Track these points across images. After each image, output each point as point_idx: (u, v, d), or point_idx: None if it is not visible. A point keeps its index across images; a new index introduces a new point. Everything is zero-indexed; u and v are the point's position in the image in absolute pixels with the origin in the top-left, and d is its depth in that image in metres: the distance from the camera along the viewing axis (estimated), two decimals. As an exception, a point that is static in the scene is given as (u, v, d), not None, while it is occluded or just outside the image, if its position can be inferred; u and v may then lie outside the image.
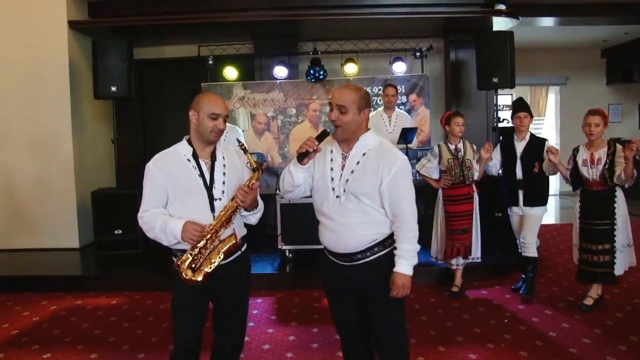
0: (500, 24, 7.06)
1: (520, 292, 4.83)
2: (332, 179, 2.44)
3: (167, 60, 8.01)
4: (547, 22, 7.91)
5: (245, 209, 2.56)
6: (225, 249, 2.48)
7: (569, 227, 4.78)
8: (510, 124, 8.06)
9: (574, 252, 4.53)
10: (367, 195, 2.38)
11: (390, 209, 2.40)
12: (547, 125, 11.41)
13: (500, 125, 7.05)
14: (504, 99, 11.14)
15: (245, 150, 2.60)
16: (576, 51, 10.56)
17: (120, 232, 6.36)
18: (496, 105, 6.95)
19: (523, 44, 7.63)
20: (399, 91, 6.95)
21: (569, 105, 10.88)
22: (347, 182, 2.40)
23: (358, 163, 2.42)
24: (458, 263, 4.90)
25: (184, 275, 2.44)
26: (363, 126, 2.46)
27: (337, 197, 2.42)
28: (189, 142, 2.59)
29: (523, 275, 4.88)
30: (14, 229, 6.70)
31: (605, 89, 11.05)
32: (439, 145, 4.86)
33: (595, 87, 10.90)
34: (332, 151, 2.50)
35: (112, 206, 6.37)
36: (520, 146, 4.77)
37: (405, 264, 2.37)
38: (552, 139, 11.24)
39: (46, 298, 5.12)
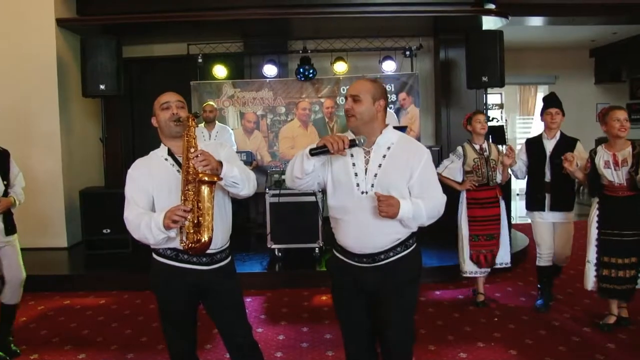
0: (489, 23, 7.09)
1: (541, 307, 4.43)
2: (356, 175, 2.34)
3: (156, 59, 7.97)
4: (537, 21, 7.96)
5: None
6: (209, 194, 2.31)
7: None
8: (499, 123, 8.07)
9: (588, 271, 3.97)
10: (397, 189, 2.30)
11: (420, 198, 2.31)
12: (536, 124, 11.46)
13: (489, 124, 7.06)
14: (494, 97, 11.19)
15: (196, 115, 2.51)
16: (565, 51, 10.63)
17: (108, 231, 6.31)
18: (486, 104, 6.96)
19: (512, 43, 7.67)
20: (388, 90, 6.95)
21: (558, 105, 10.94)
22: (375, 176, 2.31)
23: (384, 157, 2.34)
24: (481, 271, 4.59)
25: (194, 245, 2.31)
26: (380, 118, 2.40)
27: (363, 192, 2.31)
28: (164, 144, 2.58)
29: (540, 286, 4.56)
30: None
31: (594, 88, 11.15)
32: (462, 146, 4.54)
33: (583, 86, 10.99)
34: None
35: (101, 205, 6.31)
36: (550, 145, 4.32)
37: (408, 206, 2.24)
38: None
39: (34, 298, 5.05)
